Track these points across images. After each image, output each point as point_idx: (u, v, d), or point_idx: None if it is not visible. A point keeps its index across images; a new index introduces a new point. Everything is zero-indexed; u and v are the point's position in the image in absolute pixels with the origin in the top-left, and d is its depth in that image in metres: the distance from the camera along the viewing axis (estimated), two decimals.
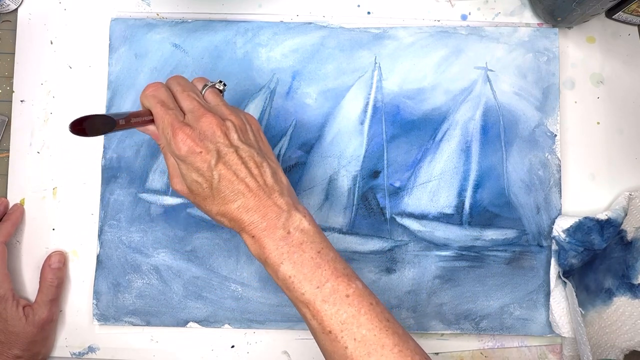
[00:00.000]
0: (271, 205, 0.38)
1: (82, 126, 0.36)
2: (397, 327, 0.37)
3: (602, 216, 0.50)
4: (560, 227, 0.50)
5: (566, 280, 0.50)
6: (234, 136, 0.38)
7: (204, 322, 0.51)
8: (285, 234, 0.37)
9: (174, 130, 0.37)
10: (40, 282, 0.50)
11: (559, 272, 0.50)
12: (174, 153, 0.38)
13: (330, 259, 0.37)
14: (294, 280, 0.37)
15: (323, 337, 0.37)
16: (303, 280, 0.37)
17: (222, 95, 0.43)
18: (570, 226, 0.50)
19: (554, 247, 0.50)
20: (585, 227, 0.50)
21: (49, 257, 0.51)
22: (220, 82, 0.42)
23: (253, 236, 0.38)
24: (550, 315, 0.50)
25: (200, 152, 0.37)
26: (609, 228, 0.50)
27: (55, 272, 0.51)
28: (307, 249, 0.37)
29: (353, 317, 0.36)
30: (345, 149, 0.52)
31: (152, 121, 0.40)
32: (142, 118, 0.39)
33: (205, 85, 0.42)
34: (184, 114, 0.39)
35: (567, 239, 0.50)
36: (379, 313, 0.36)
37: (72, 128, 0.35)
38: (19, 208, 0.52)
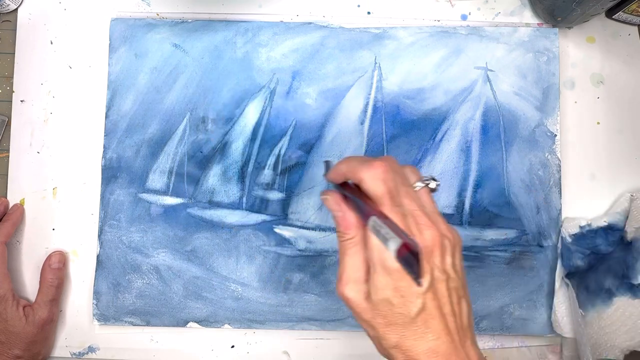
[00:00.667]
0: (463, 357, 0.32)
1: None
2: None
3: (601, 223, 0.50)
4: (568, 231, 0.50)
5: (568, 282, 0.50)
6: (448, 260, 0.32)
7: (204, 322, 0.51)
8: None
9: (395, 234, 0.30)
10: (40, 282, 0.50)
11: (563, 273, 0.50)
12: (383, 262, 0.31)
13: None
14: None
15: None
16: None
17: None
18: (575, 234, 0.50)
19: (560, 248, 0.51)
20: (589, 236, 0.50)
21: (49, 257, 0.51)
22: (433, 179, 0.35)
23: None
24: (553, 315, 0.50)
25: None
26: (613, 232, 0.50)
27: (55, 272, 0.51)
28: None
29: None
30: (345, 149, 0.52)
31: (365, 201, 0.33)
32: (368, 200, 0.32)
33: (420, 181, 0.35)
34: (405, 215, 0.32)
35: (574, 243, 0.50)
36: None
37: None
38: (19, 208, 0.52)
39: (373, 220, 0.32)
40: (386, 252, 0.31)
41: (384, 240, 0.31)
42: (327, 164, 0.37)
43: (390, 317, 0.32)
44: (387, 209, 0.31)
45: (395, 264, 0.31)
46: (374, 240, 0.32)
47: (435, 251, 0.32)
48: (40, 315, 0.49)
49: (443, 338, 0.31)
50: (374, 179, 0.32)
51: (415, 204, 0.33)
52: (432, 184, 0.35)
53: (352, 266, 0.33)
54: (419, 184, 0.34)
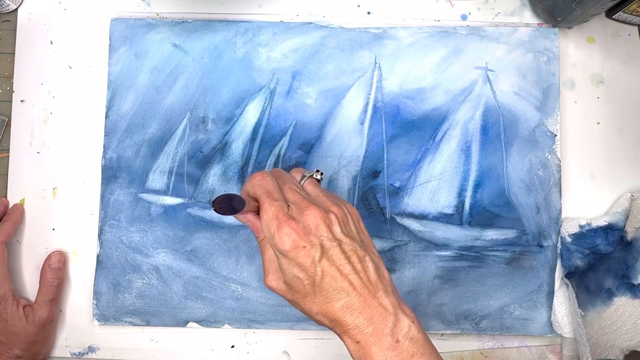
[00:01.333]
0: (376, 306, 0.35)
1: (221, 205, 0.35)
2: None
3: (601, 222, 0.50)
4: (567, 231, 0.50)
5: (568, 282, 0.50)
6: (337, 229, 0.37)
7: (204, 322, 0.51)
8: (393, 342, 0.35)
9: (279, 223, 0.36)
10: (40, 282, 0.50)
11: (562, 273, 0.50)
12: (276, 247, 0.36)
13: None
14: None
15: None
16: None
17: (320, 184, 0.42)
18: (575, 233, 0.50)
19: (560, 247, 0.51)
20: (589, 236, 0.50)
21: (49, 257, 0.51)
22: (318, 171, 0.42)
23: (358, 342, 0.35)
24: (553, 316, 0.50)
25: (305, 246, 0.35)
26: (613, 232, 0.50)
27: (55, 272, 0.51)
28: None
29: None
30: (345, 149, 0.52)
31: (257, 209, 0.38)
32: (252, 203, 0.38)
33: (304, 176, 0.41)
34: (288, 206, 0.37)
35: (573, 243, 0.50)
36: None
37: (213, 206, 0.35)
38: (19, 208, 0.52)
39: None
40: (274, 240, 0.36)
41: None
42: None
43: (303, 290, 0.36)
44: (267, 205, 0.37)
45: (285, 246, 0.35)
46: (265, 231, 0.37)
47: (320, 225, 0.36)
48: (40, 315, 0.49)
49: (352, 294, 0.35)
50: (252, 187, 0.39)
51: (298, 195, 0.38)
52: (317, 175, 0.42)
53: (268, 261, 0.39)
54: (303, 179, 0.41)
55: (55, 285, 0.50)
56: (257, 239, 0.40)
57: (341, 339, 0.36)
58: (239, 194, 0.37)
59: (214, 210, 0.35)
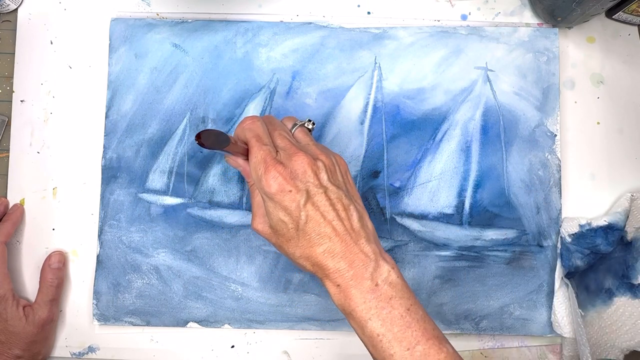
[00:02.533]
0: (358, 252, 0.36)
1: (206, 139, 0.36)
2: None
3: (602, 222, 0.50)
4: (567, 231, 0.50)
5: (568, 282, 0.50)
6: (323, 176, 0.38)
7: (204, 322, 0.51)
8: (373, 285, 0.36)
9: (266, 167, 0.37)
10: (40, 282, 0.50)
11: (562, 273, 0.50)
12: (263, 190, 0.37)
13: (420, 318, 0.36)
14: (383, 339, 0.35)
15: None
16: (392, 340, 0.35)
17: (311, 134, 0.43)
18: (575, 233, 0.50)
19: (560, 247, 0.51)
20: (589, 236, 0.50)
21: (49, 257, 0.51)
22: (310, 121, 0.43)
23: (338, 285, 0.36)
24: (553, 316, 0.50)
25: (290, 190, 0.36)
26: (613, 232, 0.50)
27: (55, 272, 0.51)
28: (397, 305, 0.35)
29: None
30: (345, 149, 0.52)
31: (246, 152, 0.39)
32: (241, 145, 0.39)
33: (295, 124, 0.42)
34: (277, 152, 0.38)
35: (573, 243, 0.50)
36: None
37: (197, 139, 0.36)
38: (19, 208, 0.52)
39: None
40: (261, 183, 0.37)
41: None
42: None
43: (287, 234, 0.37)
44: (255, 149, 0.38)
45: (272, 189, 0.36)
46: (253, 174, 0.38)
47: (307, 171, 0.37)
48: (40, 315, 0.49)
49: (334, 239, 0.36)
50: (242, 130, 0.40)
51: (287, 142, 0.39)
52: (309, 125, 0.43)
53: (257, 205, 0.40)
54: (294, 127, 0.42)
55: (55, 285, 0.50)
56: (247, 183, 0.41)
57: (322, 282, 0.37)
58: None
59: (198, 143, 0.35)
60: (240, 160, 0.41)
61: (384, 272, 0.36)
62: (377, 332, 0.35)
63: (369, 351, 0.36)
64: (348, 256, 0.36)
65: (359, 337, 0.36)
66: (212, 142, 0.36)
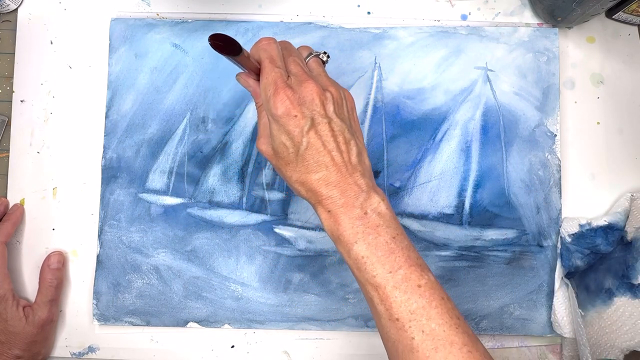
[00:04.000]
0: (351, 184, 0.37)
1: (219, 41, 0.36)
2: (467, 327, 0.36)
3: (602, 222, 0.50)
4: (567, 231, 0.50)
5: (568, 282, 0.50)
6: (330, 107, 0.38)
7: (204, 322, 0.51)
8: (362, 213, 0.37)
9: (276, 89, 0.37)
10: (39, 283, 0.50)
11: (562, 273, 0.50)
12: (270, 111, 0.38)
13: (405, 247, 0.37)
14: (367, 262, 0.36)
15: (388, 324, 0.36)
16: (376, 263, 0.36)
17: (324, 66, 0.43)
18: (575, 233, 0.50)
19: (560, 247, 0.51)
20: (589, 235, 0.50)
21: (48, 257, 0.51)
22: (325, 53, 0.43)
23: (329, 211, 0.37)
24: (553, 316, 0.50)
25: (296, 115, 0.37)
26: (613, 232, 0.50)
27: (55, 272, 0.51)
28: (383, 233, 0.36)
29: (423, 309, 0.35)
30: None
31: (258, 71, 0.39)
32: (253, 63, 0.39)
33: (310, 54, 0.42)
34: (288, 76, 0.39)
35: (573, 243, 0.50)
36: (449, 309, 0.36)
37: (211, 40, 0.35)
38: (19, 208, 0.52)
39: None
40: (269, 104, 0.37)
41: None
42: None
43: (286, 157, 0.38)
44: (268, 70, 0.38)
45: (278, 111, 0.37)
46: (262, 95, 0.38)
47: (315, 99, 0.37)
48: (40, 315, 0.49)
49: (331, 169, 0.37)
50: (257, 50, 0.39)
51: (300, 68, 0.39)
52: (323, 57, 0.43)
53: (262, 125, 0.40)
54: (309, 57, 0.42)
55: (54, 285, 0.50)
56: (256, 104, 0.42)
57: (314, 208, 0.38)
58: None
59: (210, 44, 0.35)
60: (250, 81, 0.41)
61: (374, 203, 0.37)
62: (362, 254, 0.36)
63: (354, 274, 0.37)
64: (341, 186, 0.37)
65: (345, 261, 0.38)
66: (224, 46, 0.36)
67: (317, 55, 0.42)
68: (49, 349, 0.51)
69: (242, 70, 0.41)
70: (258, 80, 0.41)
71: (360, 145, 0.39)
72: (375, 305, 0.36)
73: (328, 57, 0.43)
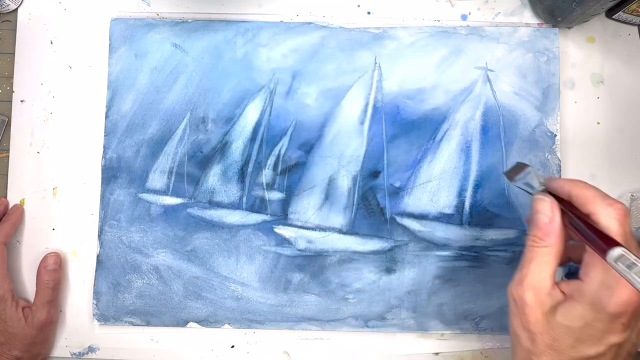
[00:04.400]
0: None
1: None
2: None
3: None
4: None
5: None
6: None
7: (204, 322, 0.51)
8: None
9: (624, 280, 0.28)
10: (36, 284, 0.50)
11: (563, 274, 0.50)
12: (600, 300, 0.29)
13: None
14: None
15: None
16: None
17: None
18: None
19: None
20: None
21: (45, 258, 0.51)
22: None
23: None
24: None
25: (623, 324, 0.30)
26: None
27: (51, 273, 0.50)
28: None
29: None
30: (345, 149, 0.52)
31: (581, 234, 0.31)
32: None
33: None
34: None
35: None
36: None
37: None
38: (19, 208, 0.52)
39: (622, 251, 0.29)
40: (606, 292, 0.29)
41: (630, 276, 0.28)
42: (524, 168, 0.37)
43: (560, 343, 0.30)
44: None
45: (611, 309, 0.29)
46: (596, 273, 0.30)
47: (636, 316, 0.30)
48: (38, 317, 0.48)
49: None
50: (610, 217, 0.31)
51: None
52: None
53: (539, 274, 0.32)
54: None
55: (51, 287, 0.50)
56: (534, 236, 0.33)
57: None
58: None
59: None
60: (557, 217, 0.33)
61: None
62: None
63: None
64: None
65: None
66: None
67: None
68: (48, 349, 0.51)
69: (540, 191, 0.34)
70: (567, 227, 0.33)
71: None
72: None
73: None
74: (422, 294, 0.51)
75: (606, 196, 0.32)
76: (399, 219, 0.51)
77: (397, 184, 0.52)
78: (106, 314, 0.51)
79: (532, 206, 0.34)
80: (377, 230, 0.51)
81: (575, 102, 0.54)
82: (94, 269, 0.52)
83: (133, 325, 0.51)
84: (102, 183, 0.52)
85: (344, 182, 0.52)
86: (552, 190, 0.35)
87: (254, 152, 0.52)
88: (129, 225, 0.52)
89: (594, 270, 0.30)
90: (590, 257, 0.31)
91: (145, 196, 0.52)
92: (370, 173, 0.52)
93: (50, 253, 0.51)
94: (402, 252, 0.51)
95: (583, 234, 0.31)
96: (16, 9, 0.54)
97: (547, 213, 0.33)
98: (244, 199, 0.52)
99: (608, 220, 0.30)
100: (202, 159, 0.52)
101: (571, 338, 0.30)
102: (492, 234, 0.51)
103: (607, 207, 0.31)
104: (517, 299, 0.33)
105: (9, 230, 0.50)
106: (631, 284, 0.28)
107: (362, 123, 0.52)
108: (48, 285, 0.50)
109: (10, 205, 0.52)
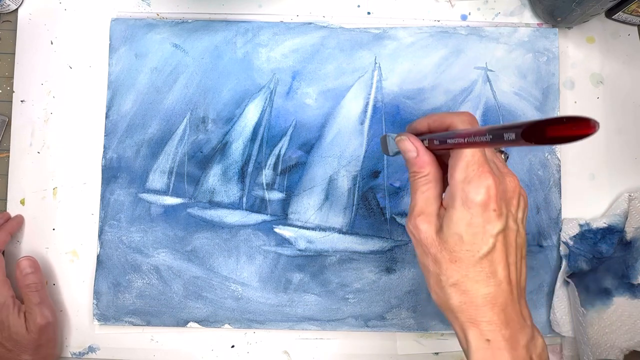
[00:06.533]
0: (517, 312, 0.32)
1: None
2: None
3: (601, 224, 0.50)
4: (567, 234, 0.50)
5: (569, 280, 0.50)
6: (520, 214, 0.33)
7: (204, 322, 0.51)
8: (526, 356, 0.31)
9: (481, 172, 0.31)
10: (20, 291, 0.49)
11: (566, 275, 0.50)
12: (466, 194, 0.31)
13: None
14: None
15: None
16: None
17: None
18: (576, 235, 0.50)
19: (564, 250, 0.50)
20: (589, 238, 0.50)
21: (18, 264, 0.49)
22: (505, 153, 0.39)
23: (488, 339, 0.31)
24: (552, 314, 0.50)
25: (495, 210, 0.31)
26: (613, 234, 0.50)
27: (30, 277, 0.49)
28: None
29: None
30: (345, 149, 0.52)
31: (443, 144, 0.33)
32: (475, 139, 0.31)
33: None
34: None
35: (576, 245, 0.50)
36: None
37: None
38: (17, 217, 0.52)
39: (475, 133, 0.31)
40: (469, 186, 0.31)
41: (498, 136, 0.28)
42: (386, 138, 0.39)
43: (457, 252, 0.32)
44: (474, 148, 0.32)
45: (477, 198, 0.31)
46: (458, 173, 0.32)
47: (513, 199, 0.32)
48: (34, 321, 0.48)
49: (504, 287, 0.31)
50: (463, 122, 0.33)
51: (498, 159, 0.34)
52: (503, 156, 0.38)
53: (424, 200, 0.34)
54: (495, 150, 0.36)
55: (35, 289, 0.49)
56: (414, 173, 0.35)
57: (462, 329, 0.32)
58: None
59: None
60: (420, 146, 0.35)
61: (539, 347, 0.32)
62: None
63: None
64: (508, 312, 0.31)
65: None
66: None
67: (501, 152, 0.37)
68: (58, 349, 0.51)
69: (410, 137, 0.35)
70: (428, 150, 0.35)
71: (527, 265, 0.34)
72: None
73: (507, 157, 0.38)
74: (422, 293, 0.51)
75: (455, 111, 0.35)
76: (398, 219, 0.52)
77: (397, 184, 0.52)
78: (106, 314, 0.51)
79: (400, 150, 0.36)
80: (377, 230, 0.51)
81: (575, 102, 0.54)
82: (94, 269, 0.52)
83: (133, 325, 0.51)
84: (102, 183, 0.52)
85: (344, 182, 0.52)
86: (415, 132, 0.37)
87: (254, 152, 0.52)
88: (129, 225, 0.52)
89: (456, 171, 0.32)
90: (452, 160, 0.33)
91: (145, 196, 0.52)
92: (370, 173, 0.52)
93: (22, 258, 0.50)
94: (402, 252, 0.51)
95: (444, 140, 0.33)
96: (16, 9, 0.54)
97: (411, 148, 0.35)
98: (244, 199, 0.52)
99: (462, 124, 0.33)
100: (202, 159, 0.52)
101: (462, 243, 0.31)
102: None
103: (459, 115, 0.34)
104: (412, 229, 0.34)
105: (5, 238, 0.50)
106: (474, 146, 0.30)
107: (362, 123, 0.52)
108: (30, 289, 0.49)
109: (11, 206, 0.52)
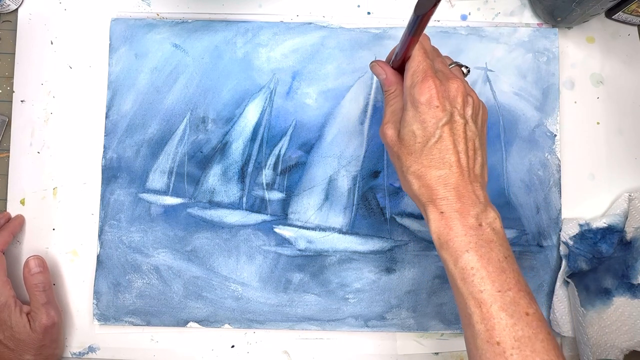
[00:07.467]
0: (470, 192, 0.36)
1: None
2: None
3: (601, 224, 0.50)
4: (567, 233, 0.50)
5: (569, 280, 0.50)
6: (469, 111, 0.38)
7: (204, 322, 0.51)
8: (476, 224, 0.36)
9: (425, 76, 0.37)
10: (27, 291, 0.49)
11: (566, 275, 0.50)
12: (413, 97, 0.37)
13: (515, 270, 0.35)
14: (475, 274, 0.34)
15: (485, 346, 0.33)
16: (485, 278, 0.34)
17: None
18: (575, 235, 0.50)
19: (564, 250, 0.50)
20: (589, 238, 0.50)
21: (26, 263, 0.50)
22: (466, 67, 0.43)
23: (442, 212, 0.36)
24: (552, 314, 0.50)
25: (437, 106, 0.37)
26: (613, 234, 0.50)
27: (38, 276, 0.49)
28: (495, 249, 0.35)
29: (529, 339, 0.33)
30: (345, 149, 0.52)
31: (402, 62, 0.40)
32: (403, 53, 0.39)
33: (452, 63, 0.42)
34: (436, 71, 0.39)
35: (576, 245, 0.50)
36: (555, 347, 0.33)
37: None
38: (19, 217, 0.52)
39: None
40: (414, 89, 0.37)
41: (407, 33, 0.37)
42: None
43: (412, 146, 0.37)
44: (421, 58, 0.38)
45: (422, 98, 0.37)
46: (407, 80, 0.38)
47: (458, 97, 0.37)
48: (40, 321, 0.48)
49: (454, 170, 0.36)
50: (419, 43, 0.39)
51: (446, 68, 0.40)
52: (464, 69, 0.43)
53: (391, 112, 0.40)
54: (452, 64, 0.42)
55: (41, 289, 0.49)
56: (386, 92, 0.41)
57: (423, 207, 0.37)
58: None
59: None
60: (387, 69, 0.41)
61: (490, 217, 0.36)
62: (472, 265, 0.34)
63: (455, 285, 0.35)
64: (460, 190, 0.36)
65: (447, 270, 0.36)
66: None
67: (459, 65, 0.42)
68: (60, 349, 0.51)
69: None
70: (396, 70, 0.41)
71: (484, 159, 0.39)
72: (473, 323, 0.34)
73: (468, 71, 0.43)
74: (422, 293, 0.51)
75: None
76: (398, 219, 0.52)
77: (397, 184, 0.52)
78: (106, 314, 0.51)
79: (374, 74, 0.43)
80: (377, 230, 0.51)
81: (575, 102, 0.54)
82: (94, 269, 0.52)
83: (133, 325, 0.51)
84: (102, 183, 0.52)
85: (344, 182, 0.52)
86: (388, 59, 0.43)
87: (254, 152, 0.52)
88: (129, 225, 0.52)
89: (407, 79, 0.39)
90: (405, 72, 0.39)
91: (145, 196, 0.52)
92: (370, 173, 0.52)
93: (31, 257, 0.50)
94: (402, 252, 0.51)
95: (396, 54, 0.41)
96: (16, 9, 0.54)
97: (380, 72, 0.42)
98: (244, 199, 0.52)
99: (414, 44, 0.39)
100: (202, 159, 0.52)
101: (415, 137, 0.37)
102: None
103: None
104: (382, 136, 0.40)
105: (7, 238, 0.50)
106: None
107: (362, 123, 0.52)
108: (38, 288, 0.49)
109: (11, 206, 0.52)
